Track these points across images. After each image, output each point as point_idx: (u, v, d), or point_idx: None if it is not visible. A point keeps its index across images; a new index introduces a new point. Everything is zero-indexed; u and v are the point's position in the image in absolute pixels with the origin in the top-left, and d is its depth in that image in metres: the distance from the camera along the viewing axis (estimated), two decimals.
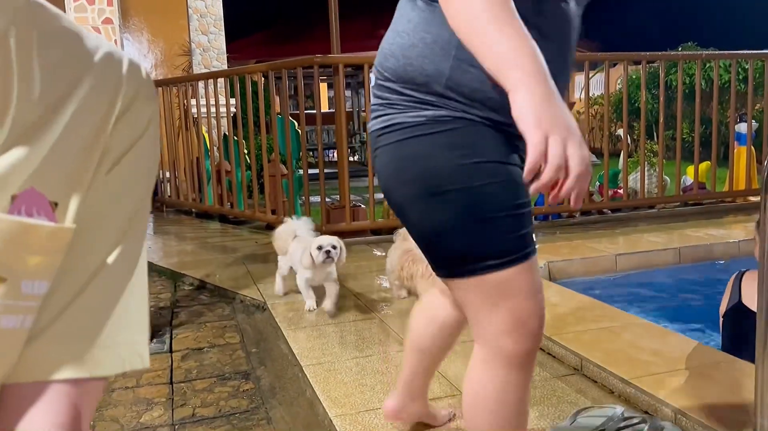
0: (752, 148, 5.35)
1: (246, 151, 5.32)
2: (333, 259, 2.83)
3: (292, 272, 3.11)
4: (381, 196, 5.63)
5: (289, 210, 4.89)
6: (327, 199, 4.60)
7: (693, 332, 2.57)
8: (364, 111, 10.57)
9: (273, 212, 5.08)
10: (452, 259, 1.17)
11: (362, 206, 4.73)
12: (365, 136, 10.90)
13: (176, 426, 2.01)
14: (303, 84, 4.51)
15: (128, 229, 0.59)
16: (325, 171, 4.54)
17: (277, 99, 5.82)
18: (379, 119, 1.19)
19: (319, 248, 2.82)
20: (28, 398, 0.55)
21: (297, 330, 2.73)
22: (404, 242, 2.95)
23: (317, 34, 14.02)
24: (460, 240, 1.13)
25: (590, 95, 5.33)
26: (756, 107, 5.36)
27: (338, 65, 4.27)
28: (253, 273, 3.77)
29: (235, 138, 5.20)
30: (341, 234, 4.46)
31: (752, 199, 5.37)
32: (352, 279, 3.56)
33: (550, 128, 0.90)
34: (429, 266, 2.71)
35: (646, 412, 1.84)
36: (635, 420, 1.75)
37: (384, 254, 4.15)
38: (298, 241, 3.04)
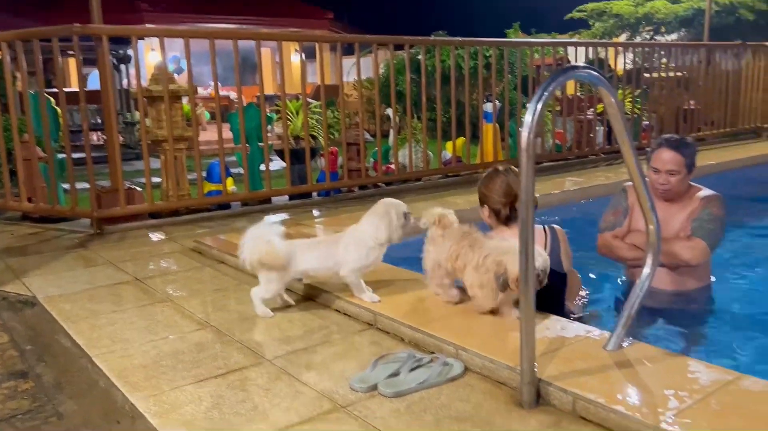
0: (497, 125, 6.13)
1: None
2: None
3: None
4: (158, 179, 5.28)
5: (50, 196, 4.40)
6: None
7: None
8: (133, 89, 9.81)
9: (29, 200, 4.53)
10: None
11: (138, 189, 4.44)
12: (129, 116, 10.15)
13: None
14: (47, 59, 4.06)
15: None
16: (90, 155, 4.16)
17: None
18: None
19: (405, 215, 2.48)
20: None
21: (78, 322, 2.53)
22: (450, 229, 2.40)
23: (55, 6, 12.60)
24: None
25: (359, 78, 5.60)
26: (497, 89, 6.15)
27: (102, 36, 3.93)
28: (13, 268, 3.36)
29: None
30: (116, 219, 4.18)
31: None
32: (133, 264, 3.37)
33: None
34: (490, 257, 2.18)
35: (433, 352, 2.08)
36: (425, 360, 1.98)
37: (164, 236, 3.98)
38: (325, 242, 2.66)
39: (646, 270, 2.03)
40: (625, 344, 1.95)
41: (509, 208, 2.58)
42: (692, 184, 2.99)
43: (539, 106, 1.64)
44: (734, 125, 8.23)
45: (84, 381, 2.09)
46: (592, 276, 3.36)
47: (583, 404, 1.66)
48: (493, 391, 1.84)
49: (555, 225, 2.68)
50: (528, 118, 1.63)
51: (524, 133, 1.63)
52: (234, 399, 1.84)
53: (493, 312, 2.26)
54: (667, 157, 2.85)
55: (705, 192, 2.94)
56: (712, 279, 3.07)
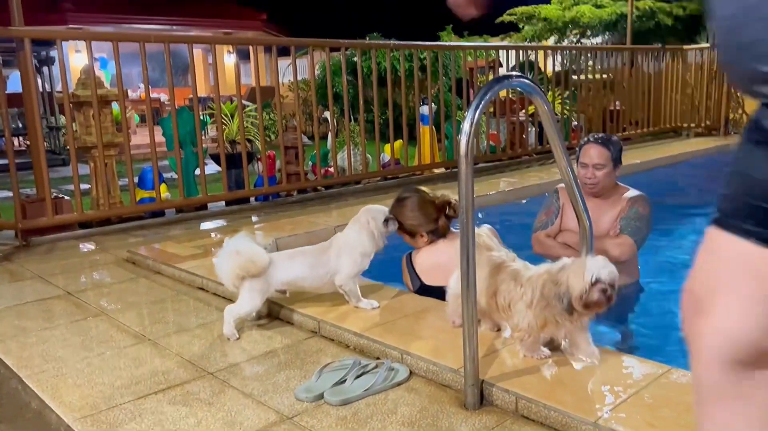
0: (433, 127, 6.22)
1: None
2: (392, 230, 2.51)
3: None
4: (87, 186, 5.05)
5: None
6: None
7: (403, 287, 2.94)
8: (58, 91, 9.38)
9: None
10: None
11: (66, 197, 4.26)
12: (54, 121, 9.72)
13: None
14: None
15: None
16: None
17: None
18: None
19: (386, 221, 2.46)
20: None
21: (6, 341, 2.40)
22: (481, 255, 1.99)
23: None
24: None
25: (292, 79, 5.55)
26: (433, 92, 6.23)
27: (24, 39, 3.75)
28: None
29: None
30: (43, 230, 4.00)
31: (436, 171, 6.27)
32: (64, 277, 3.23)
33: None
34: (547, 285, 1.80)
35: (378, 358, 2.10)
36: (371, 366, 1.99)
37: (96, 246, 3.84)
38: (294, 253, 2.47)
39: None
40: (563, 343, 2.02)
41: (442, 217, 2.64)
42: (620, 184, 3.15)
43: (477, 114, 1.67)
44: (656, 125, 8.64)
45: (15, 403, 1.99)
46: None
47: (525, 403, 1.71)
48: (438, 394, 1.87)
49: (485, 225, 2.74)
50: (466, 126, 1.66)
51: (463, 141, 1.67)
52: (176, 415, 1.80)
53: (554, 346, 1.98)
54: (593, 152, 3.02)
55: (632, 192, 3.11)
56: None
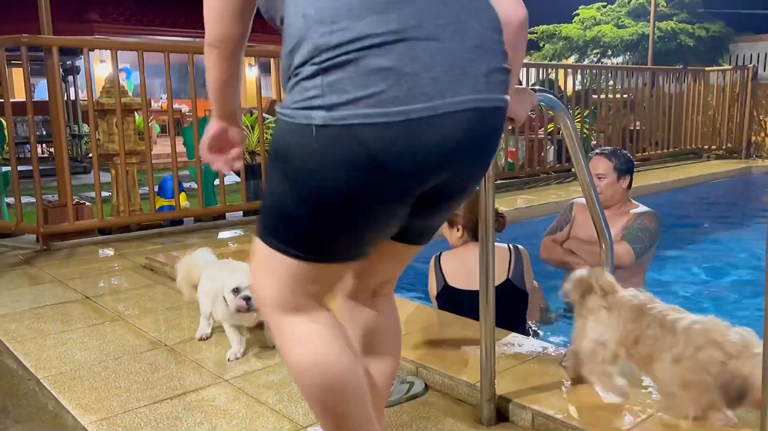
0: None
1: None
2: (254, 311, 2.07)
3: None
4: (108, 193, 5.12)
5: None
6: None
7: (420, 300, 2.93)
8: (82, 100, 9.53)
9: None
10: None
11: (87, 203, 4.31)
12: (77, 129, 9.86)
13: None
14: None
15: None
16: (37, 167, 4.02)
17: None
18: None
19: (236, 291, 2.10)
20: None
21: (25, 343, 2.43)
22: (616, 299, 1.78)
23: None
24: None
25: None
26: None
27: (52, 47, 3.83)
28: None
29: None
30: (64, 235, 4.05)
31: None
32: (83, 282, 3.26)
33: None
34: (705, 350, 1.50)
35: None
36: None
37: (115, 252, 3.88)
38: (210, 270, 2.36)
39: None
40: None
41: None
42: (632, 201, 3.21)
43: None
44: (677, 146, 8.57)
45: (32, 404, 2.01)
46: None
47: (542, 420, 1.69)
48: (454, 409, 1.85)
49: (519, 245, 2.73)
50: None
51: None
52: (191, 421, 1.80)
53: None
54: (596, 162, 3.14)
55: (642, 208, 3.20)
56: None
